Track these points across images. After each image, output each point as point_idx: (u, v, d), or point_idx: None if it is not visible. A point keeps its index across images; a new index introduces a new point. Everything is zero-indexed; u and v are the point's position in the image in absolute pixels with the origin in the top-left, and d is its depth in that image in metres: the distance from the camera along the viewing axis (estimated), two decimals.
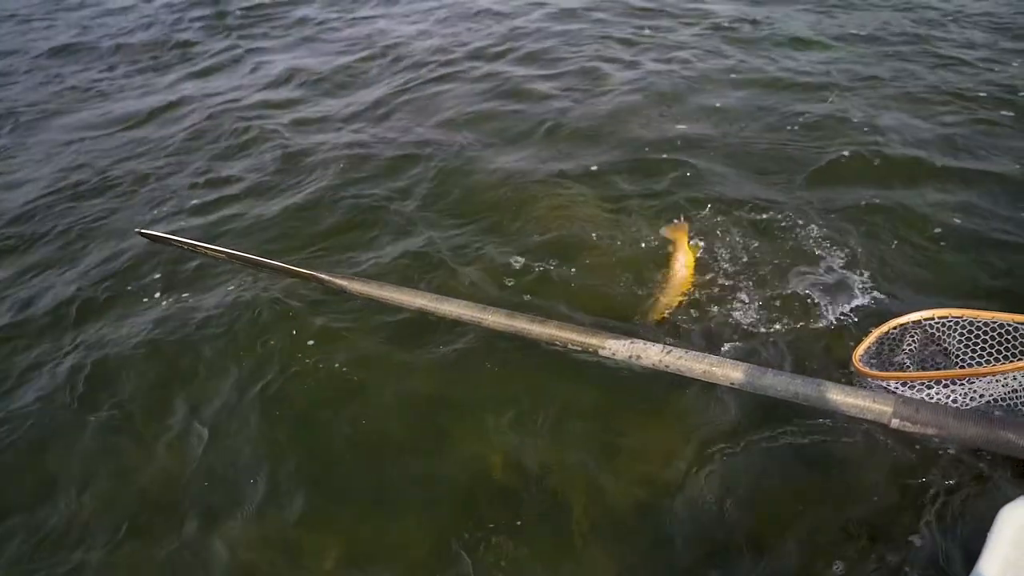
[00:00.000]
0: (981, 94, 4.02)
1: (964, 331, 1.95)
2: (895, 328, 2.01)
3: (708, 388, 2.04)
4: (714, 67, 4.83)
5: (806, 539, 1.79)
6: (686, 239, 2.69)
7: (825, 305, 2.40)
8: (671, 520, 1.85)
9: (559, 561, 1.81)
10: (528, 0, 6.87)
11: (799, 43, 5.10)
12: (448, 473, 2.04)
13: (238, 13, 7.56)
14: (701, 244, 2.74)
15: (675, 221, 2.85)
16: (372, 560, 1.88)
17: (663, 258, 2.70)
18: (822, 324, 2.32)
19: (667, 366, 1.96)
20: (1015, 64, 4.43)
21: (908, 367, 1.98)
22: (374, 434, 2.23)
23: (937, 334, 2.00)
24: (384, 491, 2.04)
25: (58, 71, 6.46)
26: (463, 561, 1.83)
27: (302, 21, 7.20)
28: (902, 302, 2.40)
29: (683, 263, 2.55)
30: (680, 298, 2.42)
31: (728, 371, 1.88)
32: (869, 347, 1.97)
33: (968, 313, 1.95)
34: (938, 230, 2.82)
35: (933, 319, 1.98)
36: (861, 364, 1.91)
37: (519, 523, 1.89)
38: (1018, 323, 1.91)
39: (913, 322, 2.00)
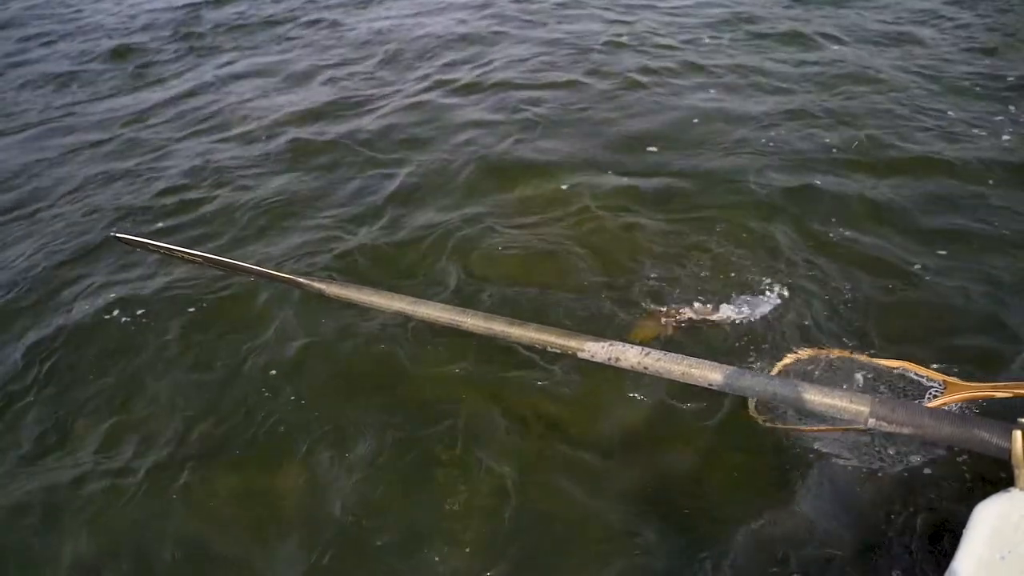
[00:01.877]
0: None
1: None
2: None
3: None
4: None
5: (767, 542, 1.80)
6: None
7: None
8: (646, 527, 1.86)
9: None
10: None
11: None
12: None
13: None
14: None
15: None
16: None
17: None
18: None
19: (646, 368, 1.95)
20: None
21: None
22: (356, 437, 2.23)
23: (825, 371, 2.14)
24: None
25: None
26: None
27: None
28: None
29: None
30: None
31: (706, 372, 1.87)
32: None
33: (840, 354, 2.16)
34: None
35: (803, 358, 2.17)
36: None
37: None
38: (890, 367, 2.08)
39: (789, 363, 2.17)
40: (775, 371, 2.14)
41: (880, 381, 2.09)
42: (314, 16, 7.26)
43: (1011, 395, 1.85)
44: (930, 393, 2.01)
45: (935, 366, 2.10)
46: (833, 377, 2.12)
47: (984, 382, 1.97)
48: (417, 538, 1.97)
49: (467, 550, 1.93)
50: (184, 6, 8.02)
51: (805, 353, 2.21)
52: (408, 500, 2.08)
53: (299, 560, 1.94)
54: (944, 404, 1.92)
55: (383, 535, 1.99)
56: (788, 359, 2.22)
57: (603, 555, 1.89)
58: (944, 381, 2.00)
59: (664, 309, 2.61)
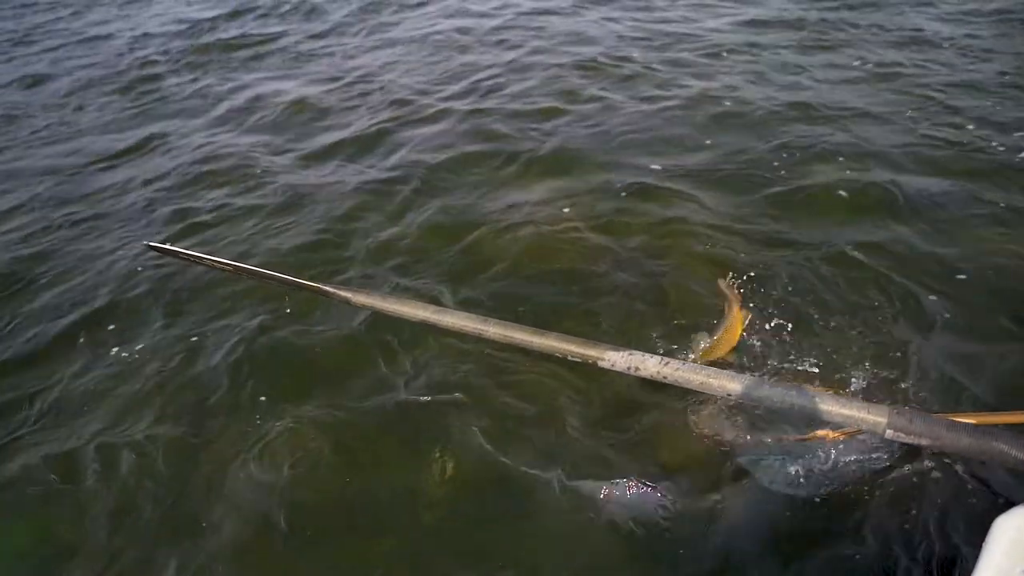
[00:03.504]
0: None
1: None
2: None
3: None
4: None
5: (789, 552, 1.82)
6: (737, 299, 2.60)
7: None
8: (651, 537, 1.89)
9: None
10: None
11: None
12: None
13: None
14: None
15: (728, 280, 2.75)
16: None
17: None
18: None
19: (665, 377, 1.98)
20: None
21: None
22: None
23: None
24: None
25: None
26: None
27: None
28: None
29: (734, 320, 2.50)
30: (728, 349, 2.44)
31: (724, 382, 1.90)
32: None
33: None
34: None
35: None
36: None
37: None
38: None
39: None
40: None
41: None
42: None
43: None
44: None
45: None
46: None
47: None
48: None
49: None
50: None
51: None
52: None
53: None
54: None
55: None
56: None
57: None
58: None
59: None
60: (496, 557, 1.96)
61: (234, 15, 8.55)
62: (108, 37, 8.48)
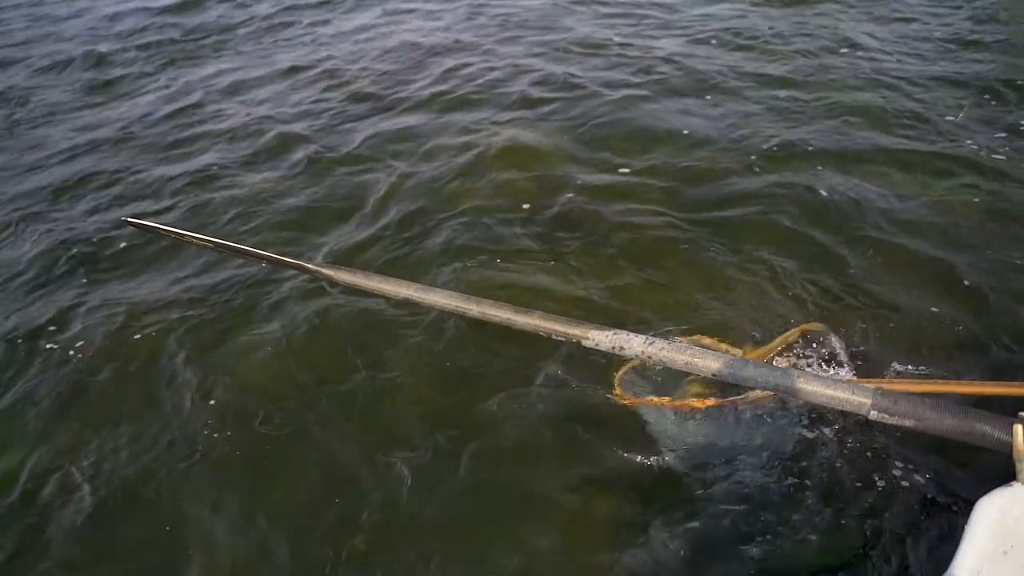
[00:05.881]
0: None
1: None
2: None
3: None
4: None
5: (766, 537, 1.82)
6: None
7: None
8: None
9: None
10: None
11: None
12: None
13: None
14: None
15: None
16: None
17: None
18: None
19: (649, 357, 1.96)
20: None
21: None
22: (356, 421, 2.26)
23: None
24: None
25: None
26: None
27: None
28: None
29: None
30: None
31: (709, 362, 1.88)
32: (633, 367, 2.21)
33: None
34: None
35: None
36: (620, 387, 2.15)
37: None
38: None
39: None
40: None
41: None
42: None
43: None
44: None
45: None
46: None
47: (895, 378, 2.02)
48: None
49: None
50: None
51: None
52: None
53: None
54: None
55: None
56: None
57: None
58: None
59: None
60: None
61: (189, 5, 8.20)
62: (64, 20, 8.16)
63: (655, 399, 2.14)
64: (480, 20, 6.38)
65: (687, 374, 1.96)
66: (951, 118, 3.84)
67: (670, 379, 2.20)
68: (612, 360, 2.12)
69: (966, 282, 2.63)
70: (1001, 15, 5.01)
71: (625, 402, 2.16)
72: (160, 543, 2.08)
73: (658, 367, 1.99)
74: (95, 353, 2.87)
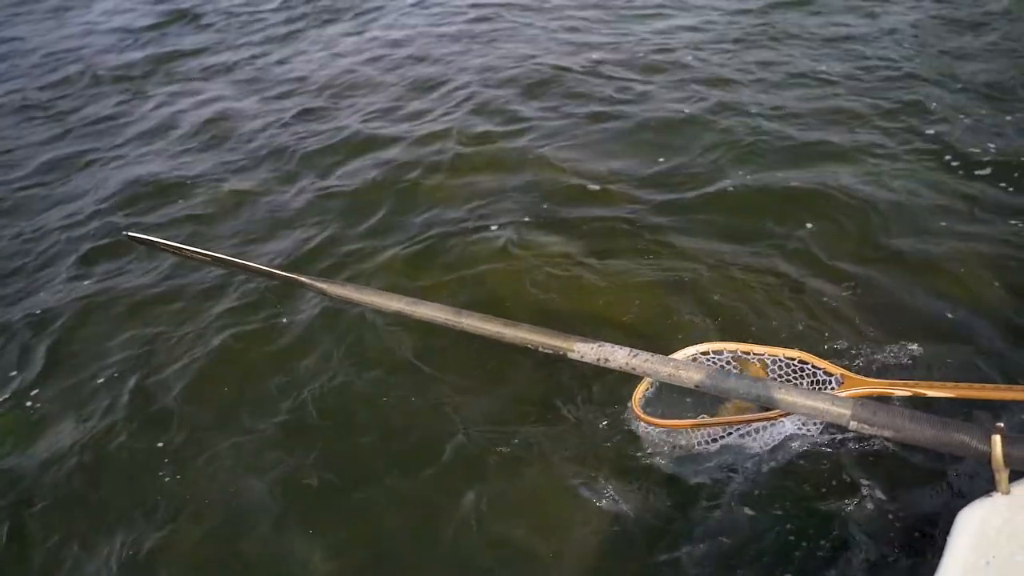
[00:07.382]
0: None
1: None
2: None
3: None
4: None
5: (740, 549, 1.81)
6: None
7: None
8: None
9: None
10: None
11: None
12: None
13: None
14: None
15: None
16: None
17: None
18: None
19: (634, 368, 1.98)
20: None
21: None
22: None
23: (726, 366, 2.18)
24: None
25: None
26: None
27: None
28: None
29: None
30: None
31: (692, 374, 1.90)
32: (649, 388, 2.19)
33: (742, 347, 2.17)
34: None
35: (709, 353, 2.20)
36: (640, 408, 2.11)
37: None
38: (789, 358, 2.11)
39: (691, 356, 2.20)
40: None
41: (778, 373, 2.12)
42: None
43: (910, 394, 1.87)
44: (828, 387, 2.03)
45: (833, 360, 2.12)
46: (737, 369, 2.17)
47: (882, 379, 2.00)
48: None
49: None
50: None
51: (708, 347, 2.23)
52: None
53: None
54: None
55: None
56: (690, 350, 2.24)
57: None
58: (842, 375, 2.02)
59: None
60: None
61: (168, 23, 7.95)
62: (33, 50, 7.73)
63: (677, 422, 2.11)
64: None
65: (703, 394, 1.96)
66: (951, 118, 3.82)
67: (693, 398, 2.19)
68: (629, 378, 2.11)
69: (963, 282, 2.62)
70: None
71: (643, 422, 2.15)
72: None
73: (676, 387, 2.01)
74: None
